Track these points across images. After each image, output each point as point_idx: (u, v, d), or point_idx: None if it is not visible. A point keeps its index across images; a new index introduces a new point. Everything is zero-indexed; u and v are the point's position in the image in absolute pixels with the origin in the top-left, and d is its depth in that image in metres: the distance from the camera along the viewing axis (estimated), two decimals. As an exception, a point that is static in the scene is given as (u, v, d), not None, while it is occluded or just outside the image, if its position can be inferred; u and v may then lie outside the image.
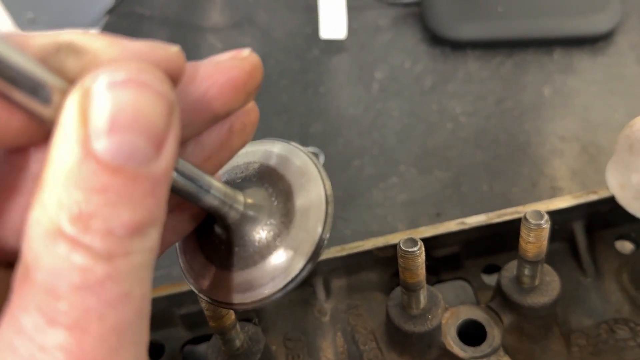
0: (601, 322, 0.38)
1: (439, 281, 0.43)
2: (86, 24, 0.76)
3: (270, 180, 0.25)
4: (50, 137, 0.16)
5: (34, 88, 0.16)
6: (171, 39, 0.73)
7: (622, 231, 0.43)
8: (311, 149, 0.61)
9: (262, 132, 0.63)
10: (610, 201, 0.40)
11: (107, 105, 0.15)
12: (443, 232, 0.40)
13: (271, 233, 0.24)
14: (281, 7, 0.74)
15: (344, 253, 0.40)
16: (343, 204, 0.57)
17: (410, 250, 0.31)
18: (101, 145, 0.15)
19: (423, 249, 0.32)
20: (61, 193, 0.15)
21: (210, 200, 0.23)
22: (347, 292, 0.41)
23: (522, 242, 0.33)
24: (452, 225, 0.40)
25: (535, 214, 0.32)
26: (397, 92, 0.66)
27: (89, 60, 0.17)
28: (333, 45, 0.71)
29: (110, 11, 0.76)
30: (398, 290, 0.36)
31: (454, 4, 0.70)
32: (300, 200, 0.24)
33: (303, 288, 0.41)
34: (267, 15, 0.74)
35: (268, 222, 0.24)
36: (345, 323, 0.39)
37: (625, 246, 0.43)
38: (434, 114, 0.64)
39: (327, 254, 0.40)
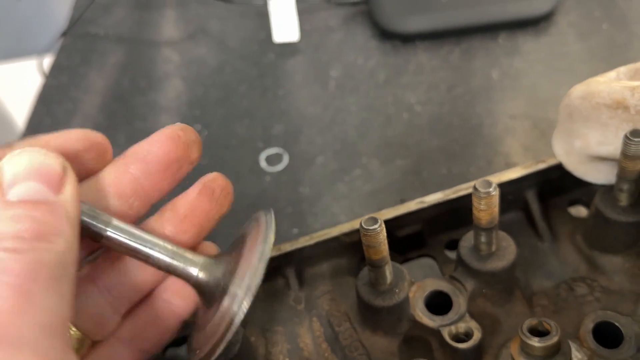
0: (560, 282, 0.41)
1: (406, 260, 0.44)
2: (41, 49, 0.76)
3: (234, 248, 0.28)
4: None
5: None
6: (127, 56, 0.74)
7: (573, 196, 0.45)
8: (275, 149, 0.63)
9: (226, 138, 0.65)
10: (559, 168, 0.43)
11: (9, 173, 0.24)
12: (404, 212, 0.42)
13: (220, 295, 0.26)
14: (233, 16, 0.76)
15: (313, 242, 0.42)
16: (310, 200, 0.59)
17: (371, 228, 0.33)
18: (11, 194, 0.24)
19: (383, 226, 0.34)
20: None
21: (159, 258, 0.27)
22: (319, 279, 0.42)
23: (475, 211, 0.35)
24: (412, 205, 0.42)
25: (484, 182, 0.34)
26: (353, 88, 0.68)
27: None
28: (287, 49, 0.73)
29: (64, 33, 0.76)
30: (365, 270, 0.37)
31: (400, -1, 0.73)
32: (241, 267, 0.26)
33: (276, 280, 0.42)
34: (221, 25, 0.76)
35: (219, 284, 0.26)
36: (320, 308, 0.41)
37: (578, 210, 0.46)
38: (390, 105, 0.66)
39: (297, 243, 0.42)
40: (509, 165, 0.57)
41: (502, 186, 0.42)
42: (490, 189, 0.34)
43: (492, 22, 0.70)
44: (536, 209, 0.43)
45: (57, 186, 0.24)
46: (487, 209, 0.34)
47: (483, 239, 0.36)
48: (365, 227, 0.33)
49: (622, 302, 0.38)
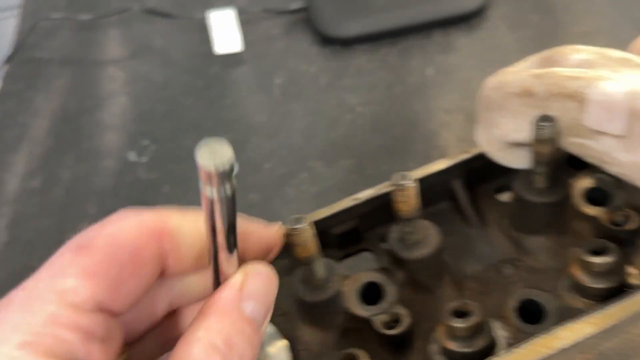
0: (489, 266, 0.43)
1: (347, 255, 0.46)
2: (-14, 77, 0.77)
3: None
4: (216, 289, 0.27)
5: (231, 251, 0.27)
6: (73, 78, 0.75)
7: (500, 183, 0.47)
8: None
9: (174, 151, 0.66)
10: (482, 157, 0.45)
11: (253, 286, 0.27)
12: (338, 210, 0.43)
13: None
14: (176, 31, 0.77)
15: (252, 245, 0.43)
16: (260, 205, 0.60)
17: (294, 227, 0.35)
18: (246, 305, 0.26)
19: (309, 224, 0.35)
20: (219, 325, 0.25)
21: None
22: (261, 281, 0.44)
23: (395, 204, 0.37)
24: (345, 202, 0.44)
25: (399, 176, 0.36)
26: (297, 94, 0.70)
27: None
28: (231, 59, 0.74)
29: (9, 60, 0.76)
30: (299, 268, 0.39)
31: (338, 4, 0.75)
32: None
33: (220, 285, 0.44)
34: (164, 40, 0.77)
35: None
36: (262, 309, 0.42)
37: (506, 196, 0.48)
38: (333, 108, 0.67)
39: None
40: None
41: (430, 178, 0.45)
42: (405, 182, 0.35)
43: (426, 21, 0.72)
44: (464, 197, 0.45)
45: (268, 312, 0.28)
46: (405, 200, 0.36)
47: (407, 229, 0.38)
48: (289, 226, 0.35)
49: (546, 280, 0.40)
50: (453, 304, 0.35)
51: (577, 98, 0.35)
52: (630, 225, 0.39)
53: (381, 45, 0.72)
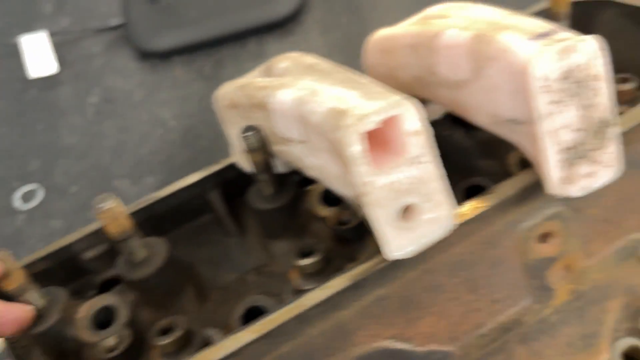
0: (241, 275, 0.43)
1: (107, 281, 0.45)
2: None
3: None
4: None
5: None
6: None
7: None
8: (30, 186, 0.63)
9: (-20, 182, 0.64)
10: (234, 167, 0.45)
11: None
12: (86, 233, 0.43)
13: None
14: (-10, 57, 0.75)
15: None
16: (61, 233, 0.58)
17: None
18: None
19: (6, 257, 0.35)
20: None
21: None
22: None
23: (104, 227, 0.37)
24: (94, 225, 0.43)
25: (99, 199, 0.36)
26: (111, 112, 0.69)
27: None
28: (48, 82, 0.72)
29: None
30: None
31: (154, 18, 0.74)
32: None
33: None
34: (-22, 68, 0.75)
35: None
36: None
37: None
38: (144, 124, 0.67)
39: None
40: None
41: (183, 192, 0.45)
42: (101, 205, 0.35)
43: (240, 29, 0.72)
44: (221, 208, 0.46)
45: None
46: (109, 221, 0.36)
47: (125, 250, 0.38)
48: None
49: (281, 284, 0.40)
50: (160, 322, 0.35)
51: (264, 107, 0.35)
52: (354, 223, 0.40)
53: (198, 57, 0.72)
